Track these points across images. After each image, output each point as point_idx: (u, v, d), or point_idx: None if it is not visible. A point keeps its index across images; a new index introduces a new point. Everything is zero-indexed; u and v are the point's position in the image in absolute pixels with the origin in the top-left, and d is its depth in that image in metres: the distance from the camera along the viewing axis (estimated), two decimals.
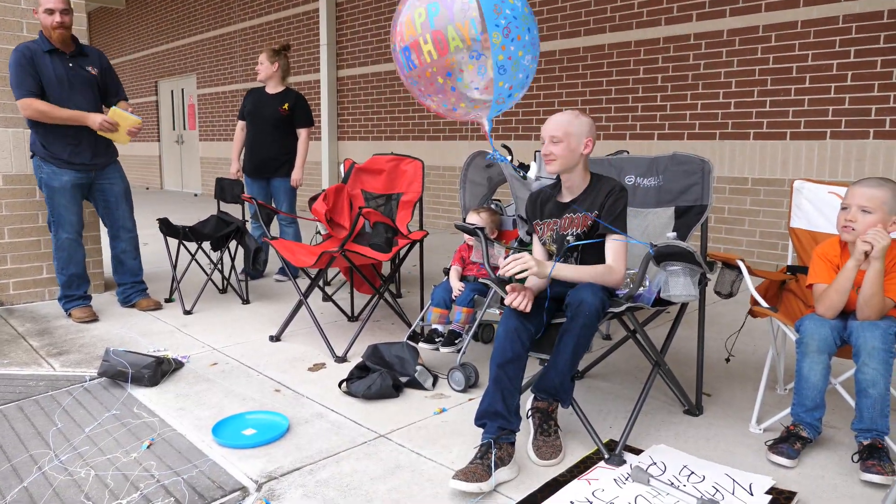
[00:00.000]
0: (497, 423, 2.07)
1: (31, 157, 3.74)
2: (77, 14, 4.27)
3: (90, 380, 2.84)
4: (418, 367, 2.80)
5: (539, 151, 2.54)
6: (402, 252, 3.74)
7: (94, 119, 3.61)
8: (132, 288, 4.08)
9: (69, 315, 3.83)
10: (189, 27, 12.83)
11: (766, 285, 2.60)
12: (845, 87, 4.94)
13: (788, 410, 2.24)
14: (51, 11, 3.50)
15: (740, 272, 2.42)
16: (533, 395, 2.25)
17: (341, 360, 3.15)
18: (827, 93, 5.03)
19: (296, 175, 4.82)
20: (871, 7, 4.75)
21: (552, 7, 6.70)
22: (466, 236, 3.24)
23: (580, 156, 2.29)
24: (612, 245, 2.26)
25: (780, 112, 5.28)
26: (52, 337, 3.51)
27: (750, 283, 2.39)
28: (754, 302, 2.41)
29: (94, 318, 3.79)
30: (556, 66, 6.75)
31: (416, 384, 2.78)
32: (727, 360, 2.95)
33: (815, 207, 2.63)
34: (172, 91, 13.92)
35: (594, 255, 2.31)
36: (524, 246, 3.02)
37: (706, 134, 5.73)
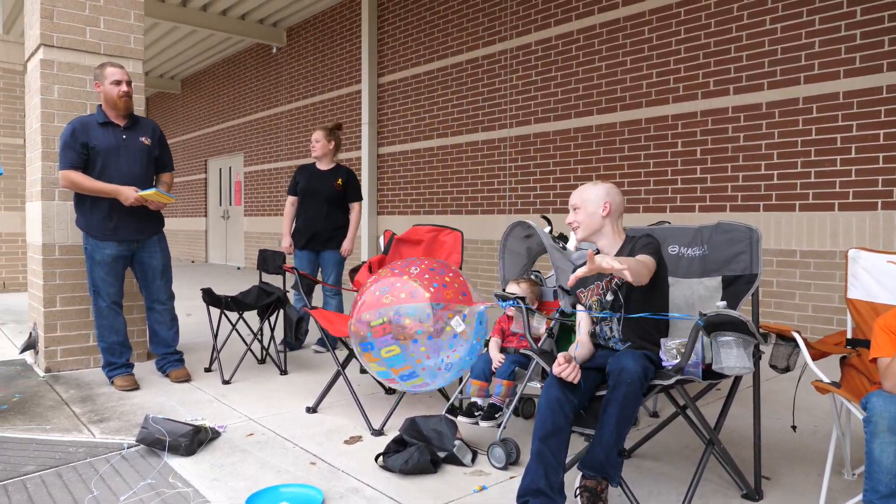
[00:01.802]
0: (539, 500, 1.96)
1: None
2: (137, 96, 4.54)
3: (128, 447, 2.83)
4: (457, 442, 2.71)
5: None
6: None
7: (126, 195, 3.70)
8: (164, 359, 4.12)
9: (112, 383, 3.87)
10: (239, 109, 13.53)
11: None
12: (894, 157, 4.85)
13: (860, 497, 2.06)
14: (118, 82, 3.79)
15: (797, 345, 2.31)
16: (581, 473, 2.14)
17: (378, 433, 3.07)
18: (875, 163, 4.94)
19: (347, 245, 4.92)
20: None
21: (588, 84, 6.85)
22: (507, 306, 3.19)
23: (601, 219, 2.42)
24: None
25: (827, 183, 5.19)
26: (94, 404, 3.53)
27: (808, 357, 2.27)
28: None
29: (135, 387, 3.82)
30: (594, 140, 6.83)
31: (454, 460, 2.68)
32: (793, 427, 2.81)
33: (874, 277, 2.52)
34: (220, 169, 14.55)
35: (638, 304, 2.32)
36: (566, 317, 2.95)
37: (749, 206, 5.65)
